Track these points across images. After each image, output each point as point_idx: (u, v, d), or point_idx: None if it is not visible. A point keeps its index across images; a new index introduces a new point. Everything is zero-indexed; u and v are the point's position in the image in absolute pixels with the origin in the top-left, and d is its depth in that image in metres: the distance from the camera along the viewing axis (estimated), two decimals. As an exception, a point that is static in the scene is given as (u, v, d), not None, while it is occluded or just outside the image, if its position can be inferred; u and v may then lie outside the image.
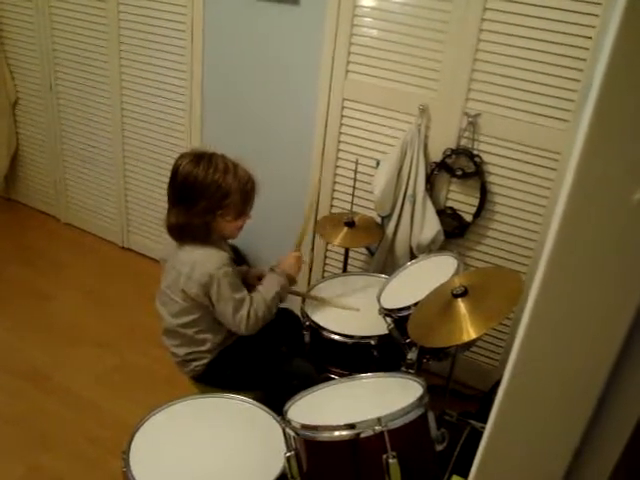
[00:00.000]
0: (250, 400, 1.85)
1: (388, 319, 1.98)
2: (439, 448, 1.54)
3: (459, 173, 2.45)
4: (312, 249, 2.96)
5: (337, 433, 1.45)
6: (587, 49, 2.13)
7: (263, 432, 1.73)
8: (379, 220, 2.65)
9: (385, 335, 2.02)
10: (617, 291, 0.66)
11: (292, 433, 1.52)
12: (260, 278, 2.19)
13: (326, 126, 2.74)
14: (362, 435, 1.44)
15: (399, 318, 1.94)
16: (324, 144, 2.78)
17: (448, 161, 2.47)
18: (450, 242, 2.59)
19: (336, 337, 2.09)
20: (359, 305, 2.23)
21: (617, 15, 0.58)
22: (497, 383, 2.45)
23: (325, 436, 1.47)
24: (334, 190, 2.84)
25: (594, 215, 0.65)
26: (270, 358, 2.13)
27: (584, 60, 2.15)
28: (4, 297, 3.18)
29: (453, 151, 2.45)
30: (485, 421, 0.81)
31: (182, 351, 2.05)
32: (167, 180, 1.98)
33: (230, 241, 2.16)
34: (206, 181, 1.90)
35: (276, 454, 1.59)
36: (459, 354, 2.13)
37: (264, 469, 1.59)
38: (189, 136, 3.18)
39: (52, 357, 2.79)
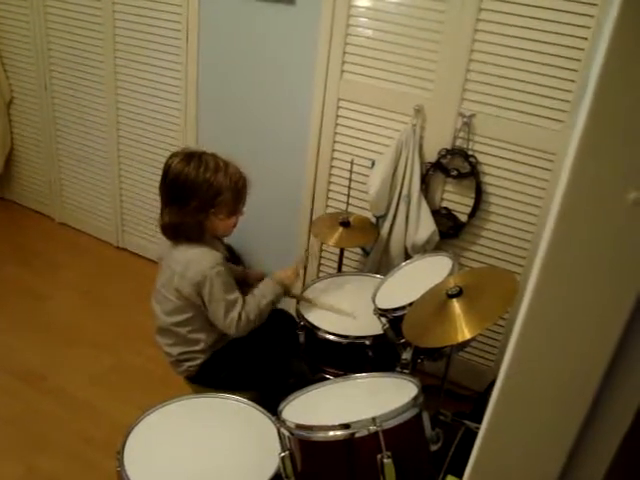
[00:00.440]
0: (245, 400, 1.84)
1: (383, 319, 1.98)
2: (434, 448, 1.54)
3: (454, 173, 2.46)
4: (307, 249, 2.96)
5: (332, 433, 1.45)
6: (582, 49, 2.14)
7: (258, 432, 1.73)
8: (374, 220, 2.66)
9: (380, 335, 2.02)
10: (612, 291, 0.66)
11: (287, 433, 1.52)
12: (261, 279, 2.20)
13: (321, 126, 2.74)
14: (357, 435, 1.44)
15: (394, 318, 1.94)
16: (319, 144, 2.77)
17: (443, 161, 2.47)
18: (445, 242, 2.60)
19: (331, 337, 2.09)
20: (354, 306, 2.23)
21: (612, 16, 0.58)
22: (492, 383, 2.46)
23: (320, 436, 1.47)
24: (329, 190, 2.84)
25: (589, 215, 0.65)
26: (264, 359, 2.13)
27: (579, 61, 2.15)
28: (-2, 297, 3.17)
29: (448, 151, 2.45)
30: (480, 421, 0.81)
31: (175, 350, 2.05)
32: (162, 180, 1.98)
33: (225, 241, 2.16)
34: (197, 180, 1.90)
35: (271, 454, 1.59)
36: (454, 354, 2.14)
37: (259, 469, 1.58)
38: (184, 136, 3.18)
39: (47, 357, 2.78)
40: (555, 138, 2.27)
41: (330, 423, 1.46)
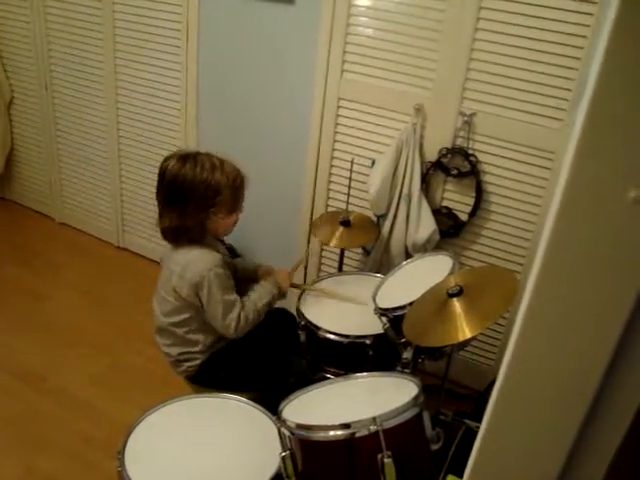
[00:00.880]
0: (245, 400, 1.84)
1: (383, 318, 1.98)
2: (434, 447, 1.54)
3: (454, 172, 2.45)
4: (307, 248, 2.96)
5: (332, 433, 1.45)
6: (582, 48, 2.13)
7: (258, 432, 1.73)
8: (375, 219, 2.65)
9: (380, 334, 2.02)
10: (612, 290, 0.66)
11: (287, 433, 1.52)
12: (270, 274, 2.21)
13: (321, 125, 2.74)
14: (357, 435, 1.43)
15: (394, 317, 1.94)
16: (319, 143, 2.77)
17: (443, 160, 2.47)
18: (445, 241, 2.59)
19: (331, 336, 2.09)
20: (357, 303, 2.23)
21: (611, 14, 0.58)
22: (492, 383, 2.45)
23: (320, 436, 1.47)
24: (329, 189, 2.84)
25: (589, 214, 0.65)
26: (265, 358, 2.12)
27: (579, 59, 2.15)
28: (-1, 297, 3.17)
29: (448, 150, 2.45)
30: (480, 421, 0.81)
31: (174, 351, 2.05)
32: (163, 180, 1.98)
33: (226, 240, 2.16)
34: (195, 181, 1.90)
35: (271, 454, 1.58)
36: (454, 353, 2.13)
37: (259, 469, 1.58)
38: (185, 136, 3.18)
39: (47, 357, 2.79)
40: (555, 137, 2.27)
41: (330, 423, 1.46)
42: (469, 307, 1.66)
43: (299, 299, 2.28)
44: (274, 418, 1.69)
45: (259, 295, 2.06)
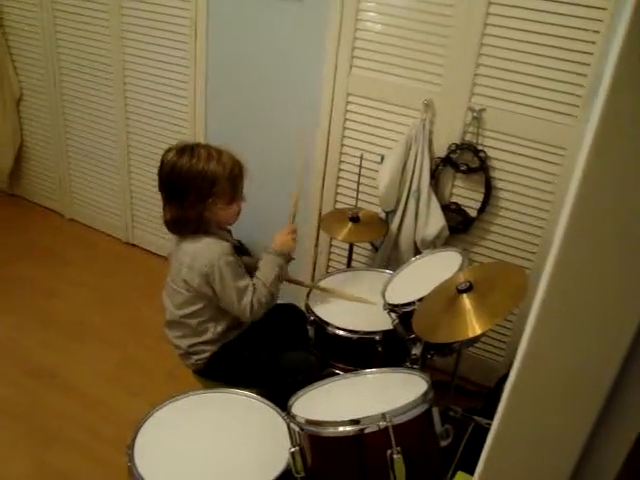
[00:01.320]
0: (254, 395, 1.85)
1: (393, 314, 1.98)
2: (444, 444, 1.54)
3: (464, 168, 2.44)
4: (316, 245, 2.96)
5: (341, 429, 1.45)
6: (594, 43, 2.11)
7: (267, 427, 1.74)
8: (383, 215, 2.65)
9: (390, 330, 2.02)
10: (627, 287, 0.66)
11: (297, 428, 1.52)
12: None
13: (330, 121, 2.73)
14: (367, 431, 1.44)
15: (404, 313, 1.94)
16: (328, 139, 2.77)
17: (453, 156, 2.46)
18: (455, 237, 2.58)
19: (340, 332, 2.09)
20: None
21: (627, 12, 0.57)
22: (502, 379, 2.45)
23: (330, 431, 1.47)
24: (338, 185, 2.84)
25: (603, 211, 0.64)
26: (273, 354, 2.12)
27: (591, 54, 2.13)
28: (9, 293, 3.19)
29: (458, 146, 2.44)
30: (490, 417, 0.81)
31: (185, 343, 2.05)
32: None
33: (235, 235, 2.16)
34: (191, 171, 1.91)
35: (280, 449, 1.59)
36: (463, 350, 2.13)
37: (268, 464, 1.59)
38: (193, 131, 3.18)
39: (57, 353, 2.80)
40: (566, 133, 2.25)
41: (340, 419, 1.46)
42: (479, 303, 1.65)
43: (308, 295, 2.29)
44: (283, 414, 1.69)
45: (264, 273, 2.02)
